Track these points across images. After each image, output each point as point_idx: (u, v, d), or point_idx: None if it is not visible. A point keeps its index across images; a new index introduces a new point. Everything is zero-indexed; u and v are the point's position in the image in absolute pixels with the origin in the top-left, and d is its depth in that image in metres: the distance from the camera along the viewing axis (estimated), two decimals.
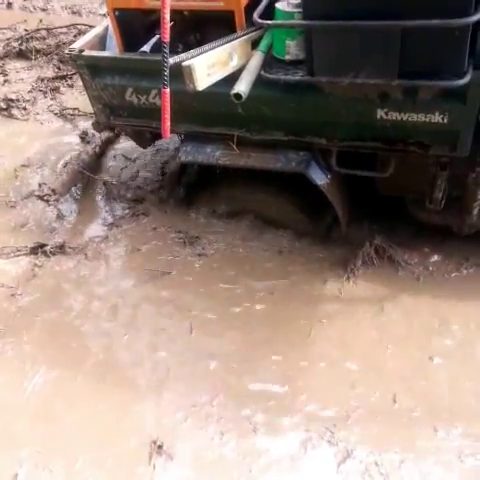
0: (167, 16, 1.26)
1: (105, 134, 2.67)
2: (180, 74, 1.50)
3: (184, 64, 1.41)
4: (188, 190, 2.37)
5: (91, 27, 3.71)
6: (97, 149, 2.65)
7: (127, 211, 2.40)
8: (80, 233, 2.32)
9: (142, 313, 2.00)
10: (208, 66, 1.48)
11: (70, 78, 3.34)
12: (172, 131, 2.11)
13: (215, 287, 2.06)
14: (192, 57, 1.45)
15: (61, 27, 3.82)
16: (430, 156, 1.76)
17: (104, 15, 4.11)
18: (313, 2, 1.44)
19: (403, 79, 1.49)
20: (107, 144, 2.71)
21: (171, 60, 1.37)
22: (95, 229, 2.34)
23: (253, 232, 2.25)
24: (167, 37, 1.29)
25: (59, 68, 3.49)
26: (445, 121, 1.61)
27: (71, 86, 3.31)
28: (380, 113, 1.67)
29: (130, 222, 2.34)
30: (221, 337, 1.89)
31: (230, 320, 1.95)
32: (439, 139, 1.69)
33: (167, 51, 1.31)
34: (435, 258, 2.07)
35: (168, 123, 1.48)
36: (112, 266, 2.17)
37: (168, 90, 1.38)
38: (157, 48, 1.90)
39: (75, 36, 3.64)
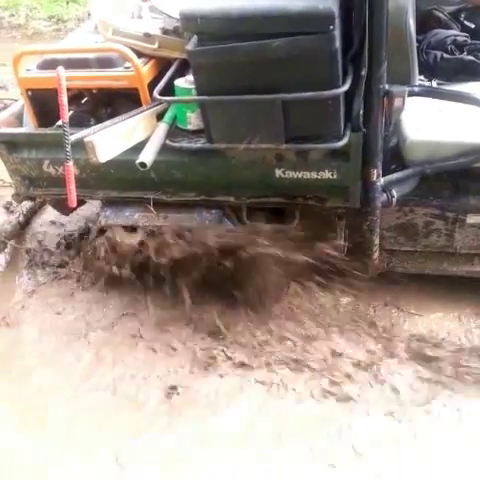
0: (64, 100, 1.38)
1: (29, 203, 2.71)
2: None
3: (86, 140, 1.53)
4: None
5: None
6: (21, 218, 2.68)
7: (49, 277, 2.42)
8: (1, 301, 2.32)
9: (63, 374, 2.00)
10: (111, 139, 1.60)
11: None
12: (91, 198, 2.24)
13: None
14: (94, 132, 1.57)
15: None
16: (328, 208, 1.94)
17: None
18: (203, 79, 1.62)
19: (291, 143, 1.68)
20: (31, 213, 2.75)
21: (72, 137, 1.48)
22: (16, 296, 2.34)
23: None
24: (66, 119, 1.40)
25: None
26: (335, 177, 1.80)
27: None
28: (278, 172, 1.84)
29: (52, 287, 2.37)
30: None
31: None
32: (333, 193, 1.88)
33: (67, 130, 1.42)
34: (346, 300, 2.21)
35: (73, 193, 1.57)
36: (32, 331, 2.17)
37: (71, 164, 1.48)
38: (72, 122, 2.03)
39: (0, 111, 3.71)
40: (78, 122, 1.98)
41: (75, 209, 2.44)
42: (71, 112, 2.06)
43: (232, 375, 1.96)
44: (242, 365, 1.98)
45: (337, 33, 1.43)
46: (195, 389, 1.92)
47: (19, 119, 2.20)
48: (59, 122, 2.00)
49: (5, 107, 3.71)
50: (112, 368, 2.02)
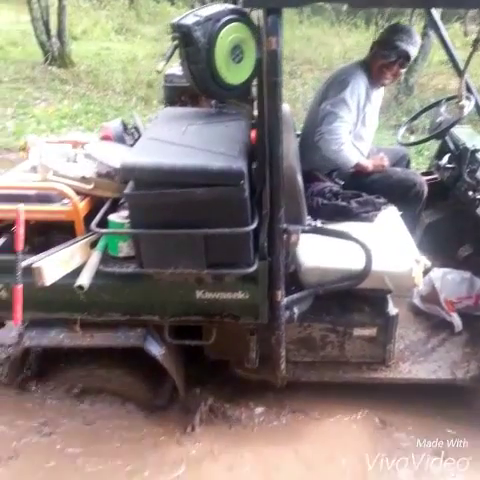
0: (21, 231, 1.60)
1: None
2: (27, 271, 1.80)
3: (34, 265, 1.72)
4: (34, 374, 2.45)
5: None
6: None
7: None
8: None
9: None
10: (54, 265, 1.80)
11: None
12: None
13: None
14: (40, 259, 1.77)
15: None
16: (241, 324, 2.22)
17: None
18: (138, 216, 1.92)
19: (211, 269, 2.00)
20: None
21: (23, 263, 1.67)
22: None
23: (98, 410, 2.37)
24: (20, 247, 1.61)
25: None
26: (247, 297, 2.08)
27: None
28: (198, 294, 2.09)
29: None
30: None
31: None
32: (245, 311, 2.14)
33: (20, 257, 1.61)
34: (259, 410, 2.42)
35: (20, 313, 1.70)
36: None
37: (20, 286, 1.65)
38: (3, 249, 2.18)
39: None
40: (8, 250, 2.14)
41: None
42: (4, 240, 2.25)
43: None
44: None
45: (246, 186, 1.85)
46: None
47: None
48: None
49: None
50: None
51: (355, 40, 10.79)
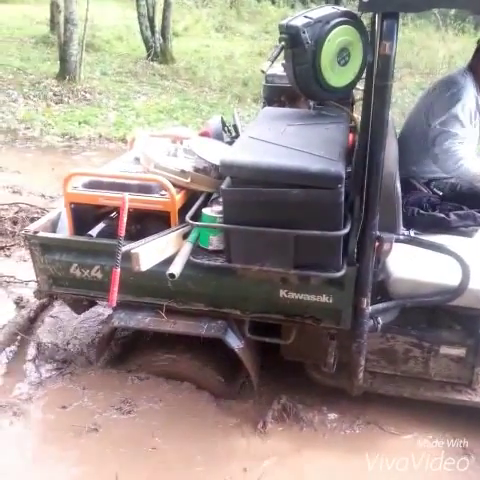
0: (124, 218, 1.70)
1: (40, 300, 2.90)
2: (124, 256, 1.92)
3: (132, 251, 1.82)
4: (119, 354, 2.60)
5: (31, 206, 4.18)
6: (32, 313, 2.86)
7: (55, 372, 2.54)
8: (8, 392, 2.40)
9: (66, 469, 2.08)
10: (150, 252, 1.90)
11: (8, 249, 3.64)
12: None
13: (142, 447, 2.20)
14: (138, 246, 1.87)
15: (2, 204, 4.20)
16: (322, 328, 2.21)
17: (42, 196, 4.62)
18: (231, 211, 1.97)
19: (297, 269, 2.00)
20: (42, 309, 2.94)
21: (124, 248, 1.77)
22: (22, 388, 2.43)
23: (175, 394, 2.46)
24: (123, 233, 1.70)
25: None
26: (330, 301, 2.08)
27: (8, 256, 3.60)
28: (282, 293, 2.12)
29: (57, 382, 2.48)
30: None
31: None
32: (327, 315, 2.15)
33: (121, 242, 1.71)
34: (332, 416, 2.39)
35: (116, 295, 1.81)
36: (36, 423, 2.26)
37: (119, 270, 1.75)
38: (102, 233, 2.33)
39: (16, 213, 4.04)
40: (109, 234, 2.28)
41: (88, 308, 2.66)
42: (103, 224, 2.40)
43: None
44: None
45: (343, 190, 1.83)
46: None
47: (54, 225, 2.50)
48: (90, 232, 2.32)
49: (20, 210, 4.06)
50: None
51: (461, 45, 10.27)
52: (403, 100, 7.42)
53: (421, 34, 11.78)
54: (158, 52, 10.27)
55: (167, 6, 10.15)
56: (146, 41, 10.33)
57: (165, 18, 10.22)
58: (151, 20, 10.28)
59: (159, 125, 6.95)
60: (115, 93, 8.31)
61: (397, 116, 5.59)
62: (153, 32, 10.29)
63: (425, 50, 10.60)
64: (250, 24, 14.04)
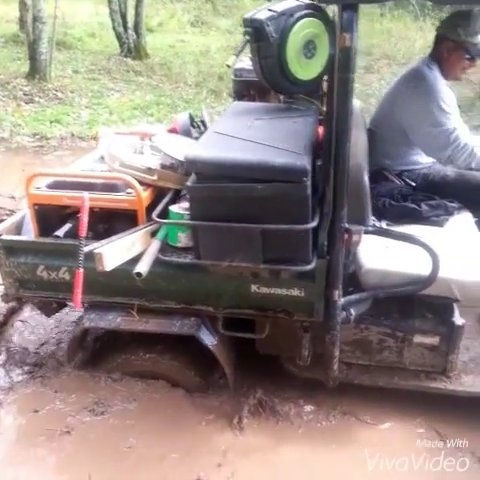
0: (85, 218, 1.66)
1: (9, 304, 2.83)
2: (89, 256, 1.88)
3: (95, 251, 1.79)
4: (90, 355, 2.55)
5: (0, 208, 4.08)
6: (1, 318, 2.80)
7: (26, 376, 2.49)
8: None
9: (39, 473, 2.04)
10: (115, 252, 1.86)
11: None
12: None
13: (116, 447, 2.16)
14: (102, 246, 1.83)
15: None
16: (295, 321, 2.20)
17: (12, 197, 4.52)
18: (198, 208, 1.94)
19: (267, 264, 1.98)
20: (11, 313, 2.88)
21: (86, 248, 1.73)
22: None
23: (150, 393, 2.43)
24: (84, 233, 1.67)
25: None
26: (302, 295, 2.08)
27: None
28: (253, 287, 2.11)
29: (28, 386, 2.43)
30: None
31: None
32: (300, 308, 2.14)
33: (83, 242, 1.68)
34: (309, 409, 2.39)
35: (80, 296, 1.77)
36: (7, 428, 2.21)
37: (82, 271, 1.72)
38: (69, 234, 2.28)
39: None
40: (76, 235, 2.23)
41: (58, 311, 2.61)
42: (69, 225, 2.34)
43: None
44: None
45: (309, 183, 1.81)
46: None
47: (18, 228, 2.43)
48: (56, 232, 2.26)
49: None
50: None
51: None
52: (380, 91, 7.42)
53: (399, 24, 11.80)
54: (131, 48, 10.13)
55: (139, 1, 10.02)
56: (119, 37, 10.18)
57: (138, 14, 10.08)
58: (123, 16, 10.13)
59: (133, 122, 6.86)
60: (88, 91, 8.18)
61: (374, 107, 5.60)
62: (126, 28, 10.14)
63: (403, 40, 10.62)
64: (226, 18, 13.92)
